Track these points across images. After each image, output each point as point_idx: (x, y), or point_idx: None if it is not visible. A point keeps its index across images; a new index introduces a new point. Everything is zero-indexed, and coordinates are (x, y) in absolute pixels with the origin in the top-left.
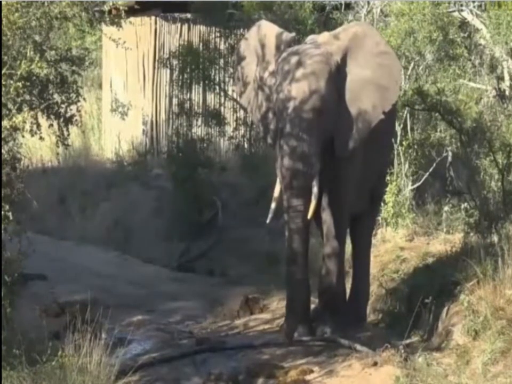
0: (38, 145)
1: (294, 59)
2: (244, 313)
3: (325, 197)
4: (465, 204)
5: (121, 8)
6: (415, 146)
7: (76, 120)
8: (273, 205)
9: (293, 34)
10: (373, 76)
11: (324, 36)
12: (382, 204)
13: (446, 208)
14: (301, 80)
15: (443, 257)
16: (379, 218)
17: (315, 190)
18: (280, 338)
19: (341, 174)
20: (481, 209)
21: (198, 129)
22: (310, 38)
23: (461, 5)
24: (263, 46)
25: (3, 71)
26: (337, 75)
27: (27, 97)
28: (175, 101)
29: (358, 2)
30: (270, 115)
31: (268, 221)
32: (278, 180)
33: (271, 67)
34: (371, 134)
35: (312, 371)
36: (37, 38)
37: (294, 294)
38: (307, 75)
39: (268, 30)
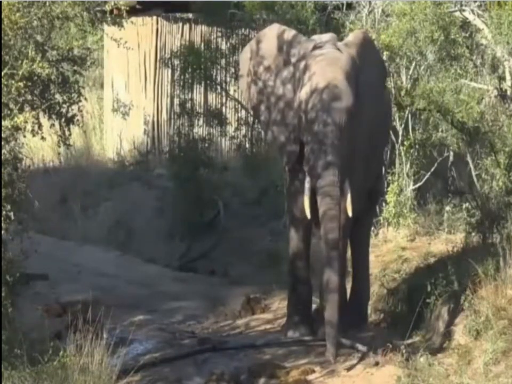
0: (39, 145)
1: (321, 62)
2: (245, 313)
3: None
4: (467, 204)
5: (122, 8)
6: (417, 146)
7: (78, 120)
8: (307, 204)
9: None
10: (375, 83)
11: (335, 39)
12: (384, 204)
13: (447, 208)
14: (336, 83)
15: (444, 257)
16: (381, 218)
17: (349, 195)
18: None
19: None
20: (483, 209)
21: (200, 129)
22: (316, 37)
23: (460, 5)
24: (258, 42)
25: (4, 71)
26: (356, 80)
27: (29, 97)
28: (176, 100)
29: (359, 2)
30: (262, 107)
31: (309, 217)
32: (307, 179)
33: (266, 62)
34: (370, 136)
35: (313, 371)
36: (39, 38)
37: (331, 298)
38: (342, 78)
39: (268, 29)
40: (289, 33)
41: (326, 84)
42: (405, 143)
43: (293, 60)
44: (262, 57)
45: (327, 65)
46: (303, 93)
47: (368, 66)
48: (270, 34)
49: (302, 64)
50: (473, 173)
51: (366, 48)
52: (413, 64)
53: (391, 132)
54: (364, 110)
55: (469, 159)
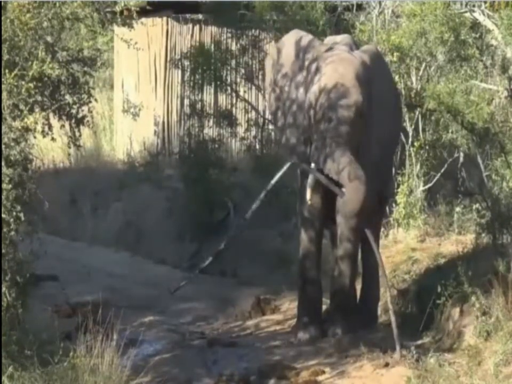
0: (49, 146)
1: (331, 62)
2: (255, 314)
3: (340, 199)
4: (477, 205)
5: (132, 9)
6: (427, 147)
7: (88, 121)
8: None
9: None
10: (389, 97)
11: (349, 40)
12: (394, 205)
13: (457, 209)
14: (352, 85)
15: (455, 258)
16: (391, 219)
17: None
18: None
19: None
20: (493, 210)
21: (210, 130)
22: (330, 38)
23: (466, 4)
24: (279, 51)
25: (14, 72)
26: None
27: (39, 98)
28: (186, 101)
29: (369, 3)
30: (279, 113)
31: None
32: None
33: (284, 70)
34: (382, 143)
35: (323, 372)
36: (49, 38)
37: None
38: (351, 77)
39: (287, 37)
40: (306, 38)
41: (334, 82)
42: (415, 144)
43: (306, 63)
44: (281, 65)
45: (336, 64)
46: (311, 93)
47: (381, 77)
48: (288, 42)
49: (314, 66)
50: (484, 174)
51: (379, 59)
52: (423, 65)
53: (401, 133)
54: (377, 113)
55: (479, 160)
